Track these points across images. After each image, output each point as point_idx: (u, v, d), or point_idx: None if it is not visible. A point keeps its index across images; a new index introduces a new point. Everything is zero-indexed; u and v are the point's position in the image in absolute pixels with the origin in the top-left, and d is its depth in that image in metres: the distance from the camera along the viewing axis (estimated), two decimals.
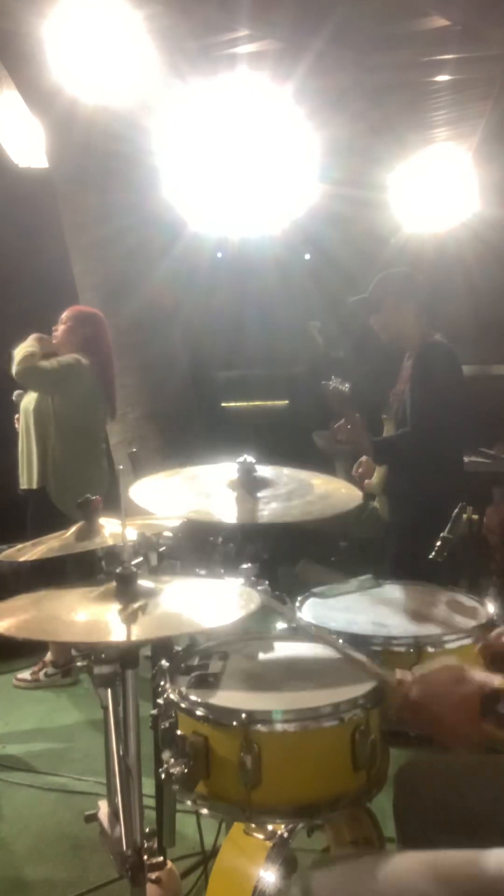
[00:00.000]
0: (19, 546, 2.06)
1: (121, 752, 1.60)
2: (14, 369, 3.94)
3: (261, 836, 1.67)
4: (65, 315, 4.17)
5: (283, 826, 1.62)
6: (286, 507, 1.86)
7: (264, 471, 1.99)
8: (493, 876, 1.23)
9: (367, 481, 3.48)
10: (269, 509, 1.85)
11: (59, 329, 4.14)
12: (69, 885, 2.46)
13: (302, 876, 1.38)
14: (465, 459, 3.74)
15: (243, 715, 1.42)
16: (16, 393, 4.20)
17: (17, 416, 4.19)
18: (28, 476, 4.07)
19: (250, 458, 1.94)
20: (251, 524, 1.85)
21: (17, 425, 4.19)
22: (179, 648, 1.76)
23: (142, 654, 1.58)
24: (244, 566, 1.93)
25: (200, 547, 2.01)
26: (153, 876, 1.54)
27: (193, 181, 4.18)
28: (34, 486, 4.01)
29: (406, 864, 1.31)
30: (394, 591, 2.15)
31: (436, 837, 1.36)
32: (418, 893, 1.23)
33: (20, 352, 3.97)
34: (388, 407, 3.52)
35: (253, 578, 1.93)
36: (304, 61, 4.06)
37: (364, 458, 3.46)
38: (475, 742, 1.21)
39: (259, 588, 1.72)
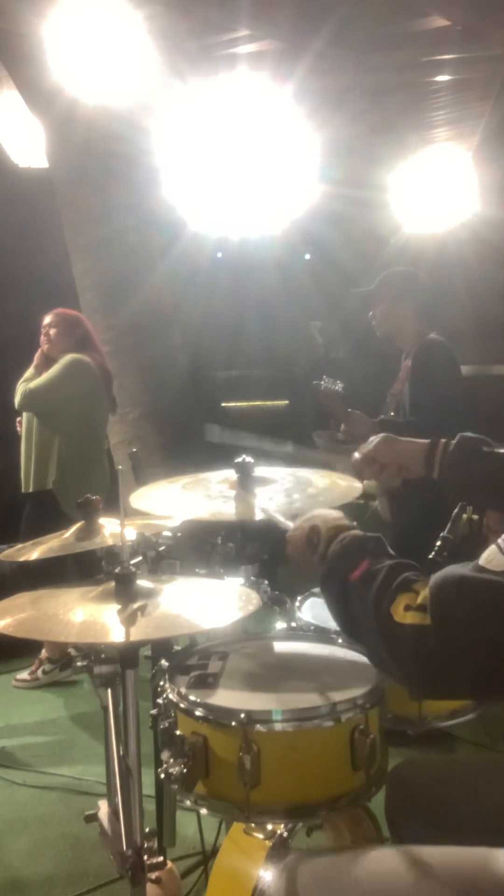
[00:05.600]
0: (19, 546, 2.06)
1: (121, 752, 1.60)
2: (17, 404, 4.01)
3: (261, 836, 1.67)
4: (51, 320, 4.08)
5: (282, 826, 1.62)
6: (289, 501, 1.86)
7: (263, 471, 1.99)
8: (474, 872, 1.24)
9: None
10: (272, 505, 1.85)
11: (51, 333, 4.07)
12: (69, 885, 2.46)
13: (287, 867, 1.37)
14: None
15: (242, 715, 1.42)
16: None
17: (18, 419, 4.14)
18: (37, 477, 4.01)
19: (249, 459, 1.94)
20: (254, 522, 1.85)
21: (18, 429, 4.14)
22: (179, 648, 1.76)
23: (142, 654, 1.58)
24: (244, 566, 1.93)
25: (200, 547, 2.01)
26: (153, 876, 1.54)
27: (193, 181, 4.18)
28: (45, 486, 3.97)
29: (388, 857, 1.31)
30: None
31: (427, 838, 1.36)
32: (400, 887, 1.24)
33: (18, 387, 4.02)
34: (385, 407, 3.52)
35: (253, 578, 1.93)
36: (304, 61, 4.06)
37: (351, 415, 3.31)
38: (304, 565, 1.51)
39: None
